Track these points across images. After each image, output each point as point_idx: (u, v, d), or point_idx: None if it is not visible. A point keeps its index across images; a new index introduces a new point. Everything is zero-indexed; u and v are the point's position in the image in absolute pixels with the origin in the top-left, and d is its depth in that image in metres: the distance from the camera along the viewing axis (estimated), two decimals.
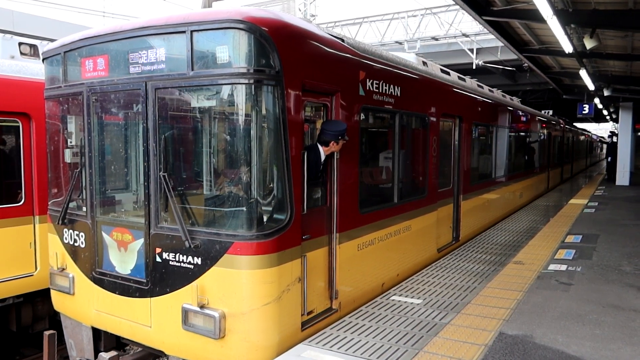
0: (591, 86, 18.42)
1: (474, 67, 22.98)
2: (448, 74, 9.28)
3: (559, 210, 14.14)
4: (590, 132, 46.02)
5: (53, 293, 6.02)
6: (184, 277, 4.67)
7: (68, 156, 5.90)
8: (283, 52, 4.48)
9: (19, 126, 6.88)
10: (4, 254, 6.69)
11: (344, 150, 5.44)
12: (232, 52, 4.39)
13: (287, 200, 4.60)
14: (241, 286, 4.43)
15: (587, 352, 4.63)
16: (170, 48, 4.72)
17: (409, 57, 7.79)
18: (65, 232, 5.75)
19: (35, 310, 7.35)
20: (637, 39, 12.24)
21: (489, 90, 11.95)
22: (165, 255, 4.81)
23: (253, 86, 4.39)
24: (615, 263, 7.96)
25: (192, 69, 4.52)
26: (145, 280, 4.97)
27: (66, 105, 5.86)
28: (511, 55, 18.29)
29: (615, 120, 33.81)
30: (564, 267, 7.61)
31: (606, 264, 7.87)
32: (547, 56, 16.26)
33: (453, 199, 9.19)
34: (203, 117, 5.22)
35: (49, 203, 6.12)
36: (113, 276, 5.25)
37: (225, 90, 4.64)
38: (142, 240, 4.98)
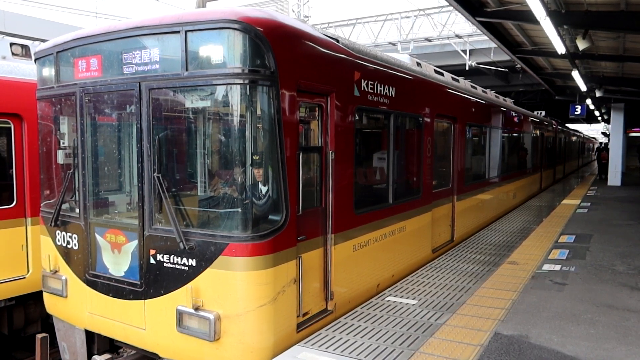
0: (583, 87, 18.54)
1: (467, 68, 23.08)
2: (442, 74, 9.29)
3: (552, 210, 14.21)
4: (582, 133, 46.35)
5: (45, 295, 5.96)
6: (179, 278, 4.64)
7: (60, 157, 5.84)
8: (278, 52, 4.46)
9: (10, 127, 6.81)
10: None
11: (339, 151, 5.43)
12: (227, 52, 4.37)
13: (282, 201, 4.58)
14: (236, 288, 4.40)
15: (582, 352, 4.64)
16: (164, 48, 4.69)
17: (403, 58, 7.79)
18: (58, 234, 5.69)
19: (27, 313, 7.27)
20: (629, 40, 12.33)
21: (482, 91, 12.00)
22: (159, 256, 4.78)
23: (248, 86, 4.36)
24: (609, 263, 8.00)
25: (187, 70, 4.50)
26: (139, 282, 4.94)
27: (59, 106, 5.80)
28: (504, 56, 18.38)
29: (607, 121, 34.10)
30: (558, 267, 7.64)
31: (600, 264, 7.91)
32: (539, 57, 16.35)
33: (448, 200, 9.20)
34: (197, 117, 5.19)
35: (42, 205, 6.06)
36: (107, 278, 5.20)
37: (220, 91, 4.61)
38: (136, 242, 4.95)
